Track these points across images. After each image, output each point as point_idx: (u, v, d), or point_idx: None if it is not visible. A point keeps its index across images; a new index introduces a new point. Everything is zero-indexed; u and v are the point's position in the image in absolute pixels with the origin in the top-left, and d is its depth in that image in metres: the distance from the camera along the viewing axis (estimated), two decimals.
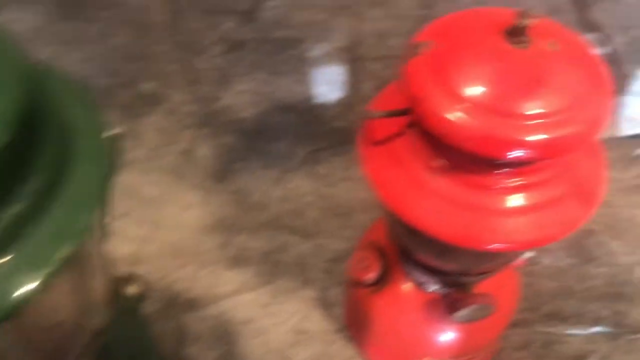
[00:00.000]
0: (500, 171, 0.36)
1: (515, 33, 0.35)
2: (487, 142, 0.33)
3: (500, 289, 0.53)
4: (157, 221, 0.69)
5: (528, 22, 0.34)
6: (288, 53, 0.61)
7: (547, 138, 0.33)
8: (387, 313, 0.52)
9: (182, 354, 0.60)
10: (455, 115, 0.34)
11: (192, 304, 0.63)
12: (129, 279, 0.54)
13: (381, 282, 0.53)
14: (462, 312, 0.47)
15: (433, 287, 0.51)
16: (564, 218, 0.38)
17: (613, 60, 0.71)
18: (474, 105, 0.33)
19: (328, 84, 0.67)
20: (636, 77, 0.74)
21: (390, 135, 0.41)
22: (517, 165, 0.36)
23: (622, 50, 0.70)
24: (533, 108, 0.33)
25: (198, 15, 0.57)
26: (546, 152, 0.34)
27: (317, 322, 0.62)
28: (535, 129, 0.33)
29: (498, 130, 0.33)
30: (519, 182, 0.37)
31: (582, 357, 0.61)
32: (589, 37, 0.68)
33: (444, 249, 0.42)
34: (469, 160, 0.36)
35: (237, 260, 0.66)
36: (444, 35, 0.37)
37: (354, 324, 0.60)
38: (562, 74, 0.35)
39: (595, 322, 0.64)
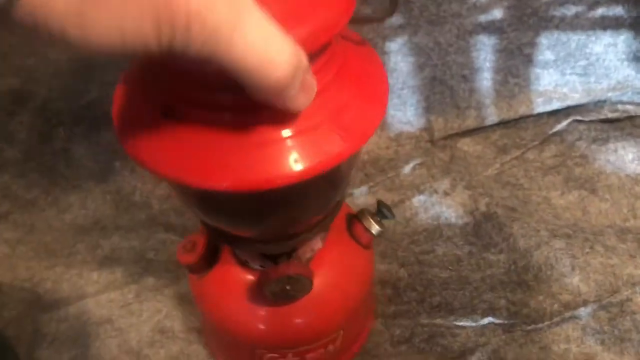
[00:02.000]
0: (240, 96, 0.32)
1: None
2: None
3: (340, 270, 0.48)
4: (32, 223, 0.67)
5: None
6: None
7: None
8: (212, 298, 0.48)
9: (35, 356, 0.56)
10: None
11: (52, 305, 0.60)
12: None
13: (207, 266, 0.48)
14: (272, 286, 0.42)
15: (255, 265, 0.46)
16: (322, 149, 0.32)
17: (500, 29, 0.66)
18: None
19: None
20: (536, 45, 0.68)
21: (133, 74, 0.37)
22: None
23: (509, 16, 0.65)
24: None
25: None
26: None
27: (179, 321, 0.58)
28: None
29: None
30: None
31: (469, 351, 0.55)
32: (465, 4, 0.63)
33: (212, 205, 0.38)
34: (201, 89, 0.31)
35: (108, 260, 0.63)
36: None
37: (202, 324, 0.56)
38: None
39: (488, 313, 0.57)
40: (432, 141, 0.72)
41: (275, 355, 0.48)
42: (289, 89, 0.26)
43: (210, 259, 0.47)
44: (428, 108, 0.72)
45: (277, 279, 0.41)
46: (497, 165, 0.70)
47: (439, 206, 0.66)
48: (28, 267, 0.64)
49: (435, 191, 0.67)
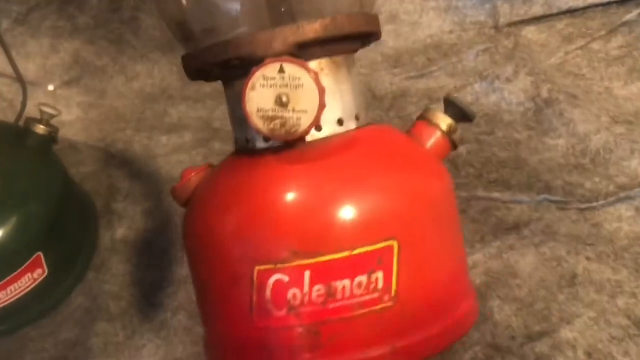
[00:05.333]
0: None
1: None
2: None
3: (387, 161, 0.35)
4: (103, 89, 0.69)
5: None
6: None
7: None
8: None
9: (112, 208, 0.61)
10: None
11: (125, 164, 0.63)
12: (39, 119, 0.55)
13: None
14: (257, 95, 0.31)
15: (262, 143, 0.36)
16: None
17: None
18: None
19: None
20: None
21: None
22: None
23: None
24: None
25: None
26: None
27: None
28: None
29: None
30: None
31: (523, 225, 0.57)
32: None
33: None
34: None
35: (176, 127, 0.66)
36: None
37: None
38: None
39: (544, 191, 0.59)
40: (496, 28, 0.71)
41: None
42: None
43: None
44: None
45: (268, 67, 0.29)
46: (561, 55, 0.69)
47: (501, 92, 0.66)
48: (100, 129, 0.67)
49: (498, 77, 0.67)
